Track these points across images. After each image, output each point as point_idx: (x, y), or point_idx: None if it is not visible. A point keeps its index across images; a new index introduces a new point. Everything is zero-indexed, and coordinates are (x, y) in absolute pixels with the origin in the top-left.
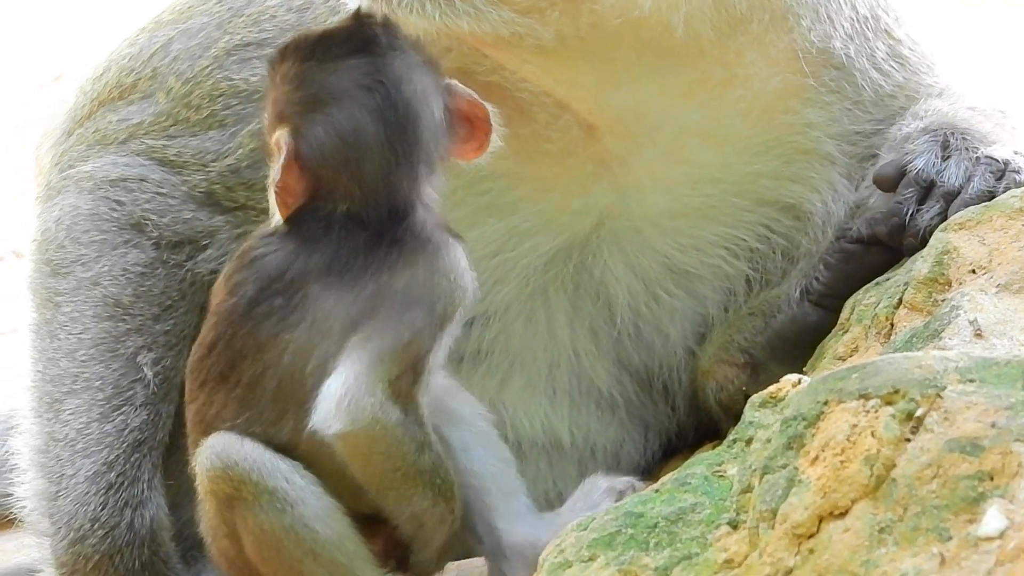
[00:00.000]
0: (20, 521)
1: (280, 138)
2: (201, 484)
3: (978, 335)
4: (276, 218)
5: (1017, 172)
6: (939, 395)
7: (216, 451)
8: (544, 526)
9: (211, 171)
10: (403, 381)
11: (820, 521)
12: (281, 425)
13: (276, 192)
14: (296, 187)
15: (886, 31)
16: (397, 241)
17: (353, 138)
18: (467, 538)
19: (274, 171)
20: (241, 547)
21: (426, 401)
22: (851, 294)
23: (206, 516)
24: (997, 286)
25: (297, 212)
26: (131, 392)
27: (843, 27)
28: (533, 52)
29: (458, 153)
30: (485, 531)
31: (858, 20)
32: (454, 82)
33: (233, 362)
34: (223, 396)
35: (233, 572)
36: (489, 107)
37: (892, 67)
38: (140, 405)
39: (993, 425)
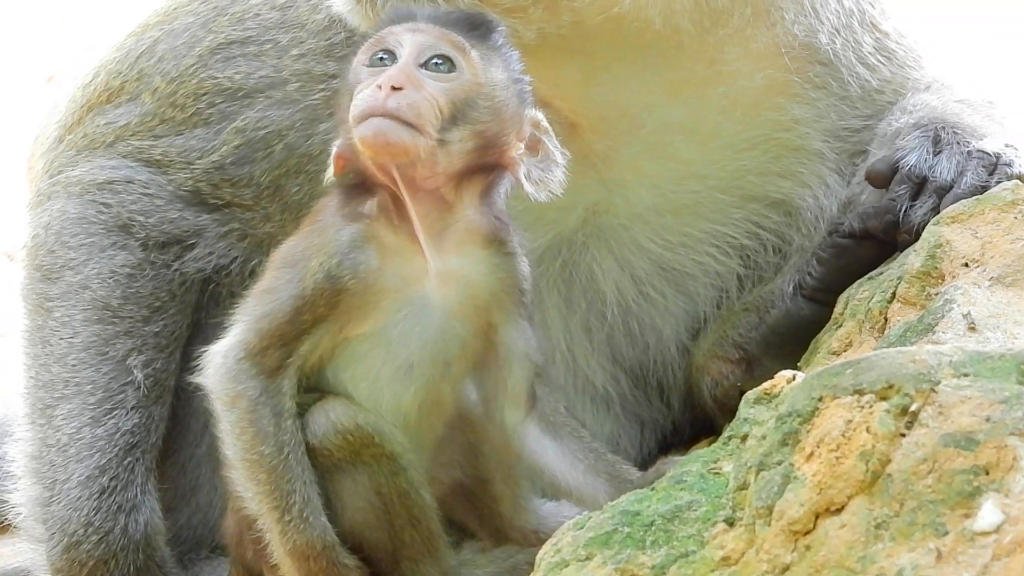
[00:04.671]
0: (15, 527)
1: None
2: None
3: (972, 328)
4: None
5: (1008, 165)
6: (934, 390)
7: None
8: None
9: (196, 169)
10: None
11: (816, 517)
12: None
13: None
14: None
15: (872, 24)
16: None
17: None
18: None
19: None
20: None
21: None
22: (844, 289)
23: None
24: (990, 279)
25: None
26: (122, 395)
27: (829, 21)
28: (526, 54)
29: None
30: None
31: (844, 13)
32: None
33: None
34: None
35: None
36: None
37: (879, 61)
38: (131, 408)
39: (988, 419)
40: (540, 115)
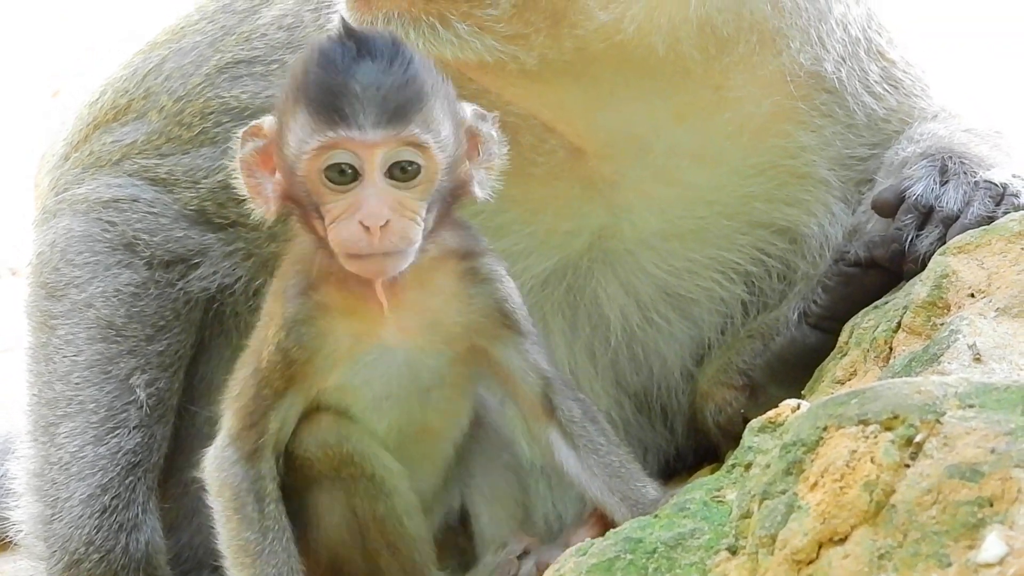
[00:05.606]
0: (17, 544)
1: None
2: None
3: (977, 359)
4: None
5: (1016, 196)
6: (939, 420)
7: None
8: None
9: (202, 188)
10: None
11: (820, 547)
12: None
13: None
14: None
15: (879, 53)
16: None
17: None
18: None
19: None
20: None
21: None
22: (849, 317)
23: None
24: (996, 310)
25: None
26: (124, 414)
27: (835, 49)
28: (517, 76)
29: None
30: None
31: (850, 42)
32: None
33: None
34: None
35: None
36: None
37: (885, 90)
38: (134, 427)
39: (993, 451)
40: (468, 111)
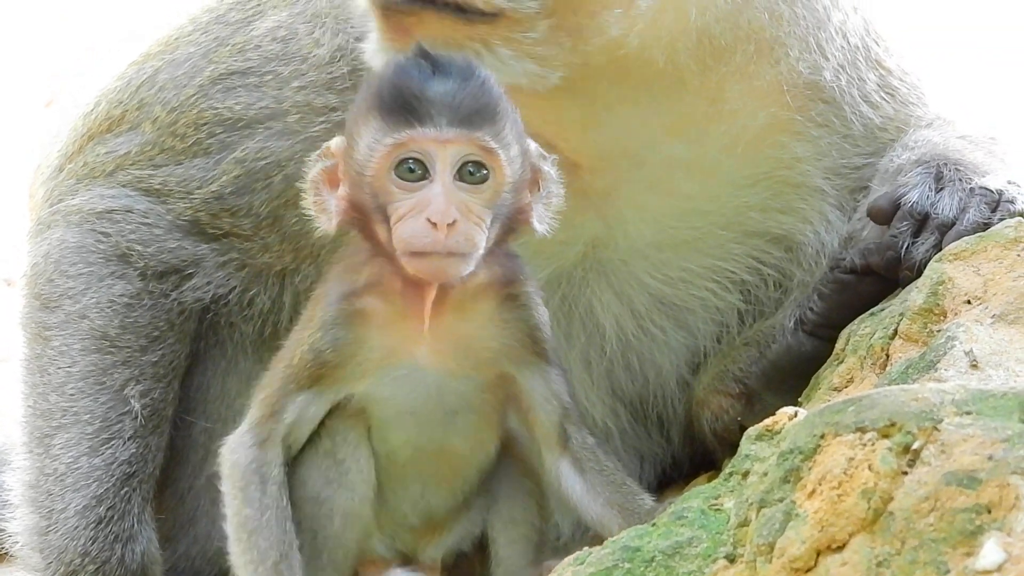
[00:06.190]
0: (12, 556)
1: None
2: None
3: (974, 366)
4: None
5: (1011, 202)
6: (936, 428)
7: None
8: None
9: (196, 199)
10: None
11: (818, 555)
12: None
13: None
14: None
15: (877, 61)
16: None
17: None
18: None
19: None
20: None
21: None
22: (846, 324)
23: None
24: (992, 316)
25: None
26: (119, 425)
27: (835, 57)
28: (530, 96)
29: None
30: None
31: (849, 50)
32: None
33: None
34: None
35: None
36: None
37: (882, 99)
38: (129, 438)
39: (990, 457)
40: (534, 147)
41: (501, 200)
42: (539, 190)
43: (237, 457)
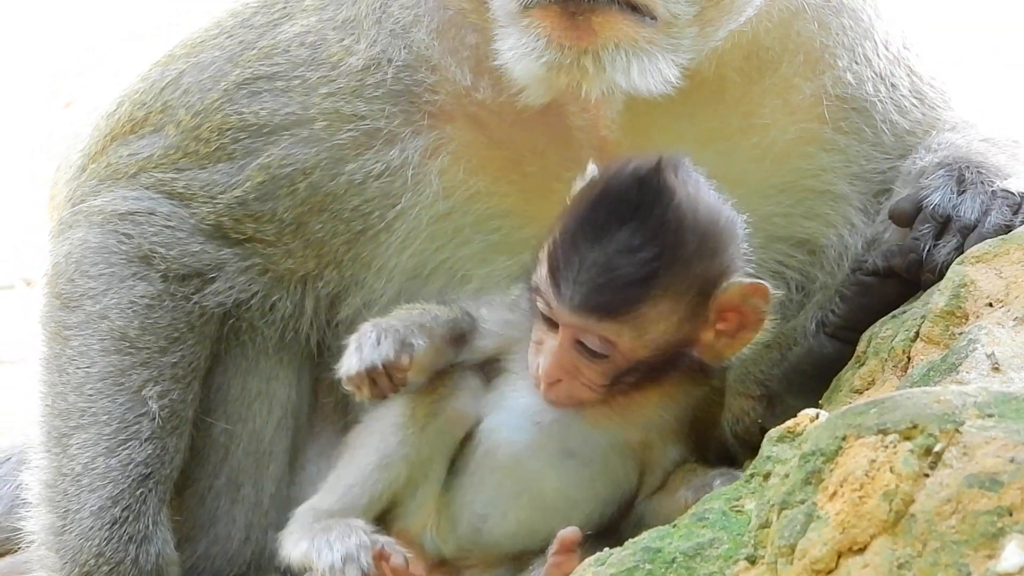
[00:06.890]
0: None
1: None
2: None
3: (996, 369)
4: None
5: None
6: (958, 430)
7: None
8: None
9: (219, 203)
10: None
11: (839, 557)
12: None
13: None
14: None
15: (910, 67)
16: None
17: None
18: None
19: None
20: None
21: None
22: (867, 327)
23: None
24: (1014, 319)
25: None
26: (137, 426)
27: (878, 67)
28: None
29: None
30: None
31: (890, 59)
32: None
33: None
34: None
35: None
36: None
37: (912, 104)
38: (146, 439)
39: (1012, 460)
40: (736, 288)
41: (632, 366)
42: (733, 327)
43: None
